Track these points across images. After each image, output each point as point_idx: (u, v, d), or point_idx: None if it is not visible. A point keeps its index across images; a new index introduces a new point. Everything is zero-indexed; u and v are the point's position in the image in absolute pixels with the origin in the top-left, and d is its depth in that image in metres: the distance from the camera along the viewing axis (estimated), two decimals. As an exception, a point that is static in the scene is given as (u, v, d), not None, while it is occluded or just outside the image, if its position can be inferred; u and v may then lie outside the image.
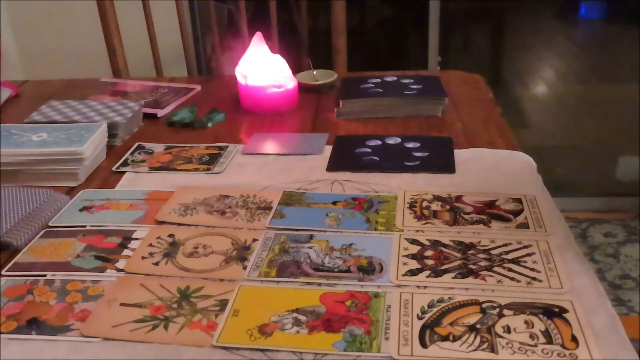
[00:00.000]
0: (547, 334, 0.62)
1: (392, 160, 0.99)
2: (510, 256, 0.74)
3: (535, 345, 0.60)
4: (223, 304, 0.68)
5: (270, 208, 0.86)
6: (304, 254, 0.76)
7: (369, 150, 1.03)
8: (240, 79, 1.21)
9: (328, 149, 1.04)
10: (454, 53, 2.98)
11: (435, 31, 2.27)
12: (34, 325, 0.67)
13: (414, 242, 0.77)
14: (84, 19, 1.97)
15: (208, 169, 0.99)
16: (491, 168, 0.95)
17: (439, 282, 0.70)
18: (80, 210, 0.89)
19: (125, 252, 0.78)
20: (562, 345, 0.60)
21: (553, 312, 0.64)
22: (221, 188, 0.93)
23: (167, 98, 1.29)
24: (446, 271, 0.72)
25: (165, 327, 0.65)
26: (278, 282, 0.72)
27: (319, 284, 0.71)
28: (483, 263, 0.73)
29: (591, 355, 0.59)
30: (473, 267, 0.72)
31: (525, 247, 0.76)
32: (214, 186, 0.94)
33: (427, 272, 0.72)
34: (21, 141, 0.99)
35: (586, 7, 3.14)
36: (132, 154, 1.06)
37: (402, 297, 0.68)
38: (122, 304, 0.69)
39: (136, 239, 0.81)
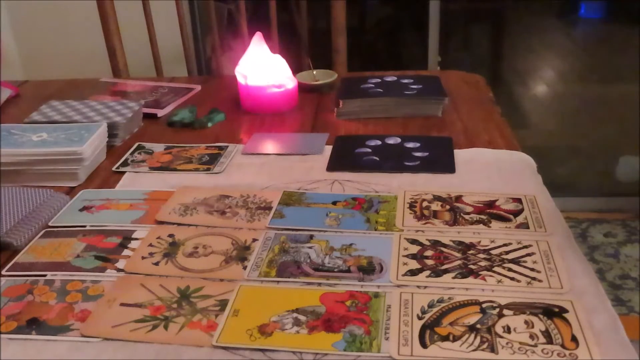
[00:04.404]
0: (547, 334, 0.62)
1: (392, 160, 0.99)
2: (510, 256, 0.74)
3: (535, 345, 0.60)
4: (223, 304, 0.68)
5: (270, 208, 0.86)
6: (304, 254, 0.76)
7: (369, 150, 1.03)
8: (240, 79, 1.21)
9: (328, 149, 1.04)
10: (454, 53, 2.98)
11: (435, 31, 2.27)
12: (34, 325, 0.67)
13: (414, 242, 0.77)
14: (84, 19, 1.96)
15: (208, 169, 0.99)
16: (491, 168, 0.95)
17: (439, 282, 0.70)
18: (80, 210, 0.89)
19: (125, 252, 0.78)
20: (562, 345, 0.60)
21: (553, 312, 0.64)
22: (221, 188, 0.93)
23: (167, 98, 1.29)
24: (446, 271, 0.72)
25: (165, 327, 0.65)
26: (278, 282, 0.72)
27: (319, 284, 0.71)
28: (483, 263, 0.73)
29: (591, 355, 0.59)
30: (473, 267, 0.72)
31: (525, 247, 0.75)
32: (214, 186, 0.94)
33: (427, 272, 0.71)
34: (21, 141, 0.99)
35: (586, 7, 3.14)
36: (132, 154, 1.06)
37: (402, 297, 0.68)
38: (122, 304, 0.69)
39: (136, 239, 0.81)
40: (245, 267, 0.74)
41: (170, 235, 0.81)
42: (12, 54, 2.19)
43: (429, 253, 0.75)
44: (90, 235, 0.82)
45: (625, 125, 2.56)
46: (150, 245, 0.79)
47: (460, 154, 1.00)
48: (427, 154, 1.00)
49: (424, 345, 0.61)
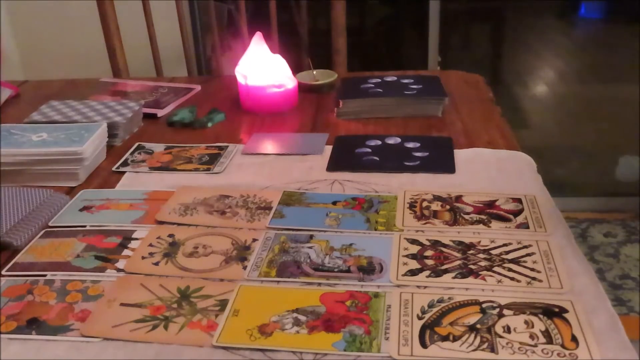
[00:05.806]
0: (547, 334, 0.62)
1: (392, 160, 0.99)
2: (510, 256, 0.74)
3: (535, 345, 0.60)
4: (223, 304, 0.68)
5: (270, 208, 0.86)
6: (304, 254, 0.76)
7: (369, 150, 1.03)
8: (240, 79, 1.21)
9: (328, 149, 1.04)
10: (454, 53, 2.99)
11: (435, 31, 2.27)
12: (34, 325, 0.67)
13: (414, 242, 0.77)
14: (84, 19, 1.96)
15: (208, 169, 0.99)
16: (491, 168, 0.95)
17: (439, 282, 0.70)
18: (80, 210, 0.89)
19: (125, 252, 0.78)
20: (562, 345, 0.60)
21: (553, 312, 0.64)
22: (221, 188, 0.93)
23: (167, 98, 1.29)
24: (446, 271, 0.72)
25: (165, 327, 0.65)
26: (278, 282, 0.72)
27: (319, 284, 0.71)
28: (483, 263, 0.73)
29: (591, 355, 0.59)
30: (473, 267, 0.72)
31: (525, 247, 0.76)
32: (214, 186, 0.94)
33: (427, 272, 0.72)
34: (21, 141, 0.99)
35: (586, 7, 3.14)
36: (132, 154, 1.06)
37: (402, 297, 0.68)
38: (122, 304, 0.69)
39: (136, 239, 0.81)
40: (245, 267, 0.74)
41: (170, 235, 0.81)
42: (12, 54, 2.19)
43: (429, 253, 0.75)
44: (90, 235, 0.82)
45: (625, 125, 2.56)
46: (150, 245, 0.79)
47: (460, 154, 1.00)
48: (427, 154, 1.00)
49: (424, 345, 0.61)
